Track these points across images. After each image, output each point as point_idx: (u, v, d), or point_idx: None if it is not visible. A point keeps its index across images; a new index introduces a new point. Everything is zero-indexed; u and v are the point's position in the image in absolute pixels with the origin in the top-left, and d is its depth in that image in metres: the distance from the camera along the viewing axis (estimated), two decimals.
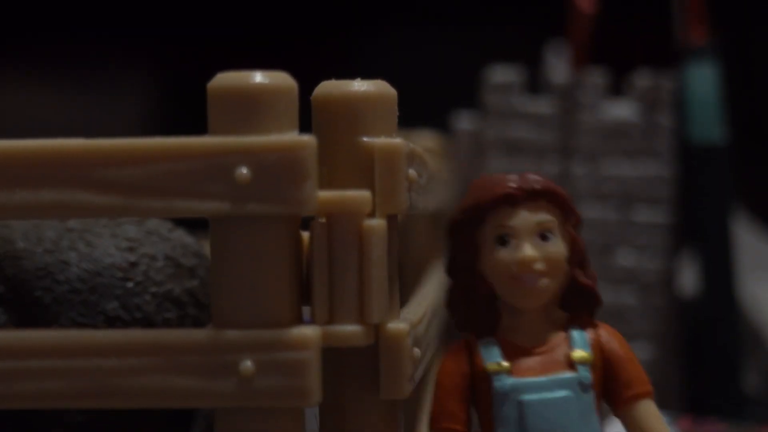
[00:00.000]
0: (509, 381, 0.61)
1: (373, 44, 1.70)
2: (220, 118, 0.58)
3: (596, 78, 1.15)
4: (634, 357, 0.63)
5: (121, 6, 1.70)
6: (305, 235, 0.60)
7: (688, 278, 1.17)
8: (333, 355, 0.60)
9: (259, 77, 0.58)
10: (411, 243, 0.89)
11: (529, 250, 0.61)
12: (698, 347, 1.12)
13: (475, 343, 0.63)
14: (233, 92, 0.58)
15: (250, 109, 0.58)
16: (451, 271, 0.64)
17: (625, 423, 0.62)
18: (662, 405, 0.64)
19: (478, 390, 0.62)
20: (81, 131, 0.62)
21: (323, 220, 0.59)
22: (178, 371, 0.58)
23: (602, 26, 1.13)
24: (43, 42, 1.71)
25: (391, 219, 0.61)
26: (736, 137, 1.15)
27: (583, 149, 1.15)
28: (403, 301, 0.68)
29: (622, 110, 1.15)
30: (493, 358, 0.62)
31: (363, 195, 0.59)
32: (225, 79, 0.58)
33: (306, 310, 0.60)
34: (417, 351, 0.62)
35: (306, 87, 0.60)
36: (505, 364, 0.62)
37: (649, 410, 0.62)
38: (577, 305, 0.63)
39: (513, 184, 0.62)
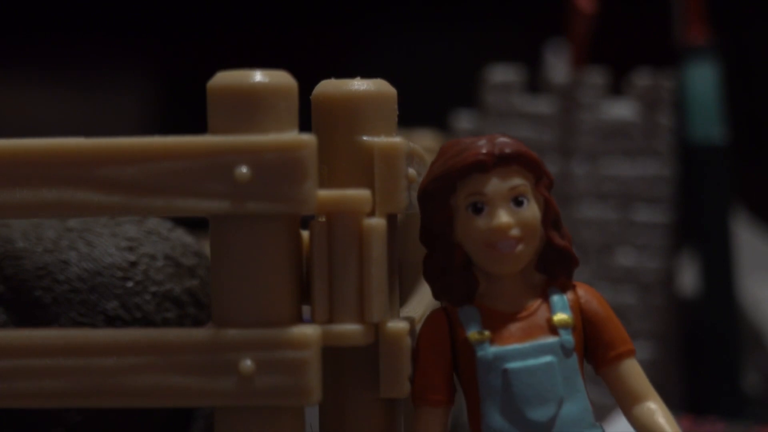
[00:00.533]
0: (492, 350, 0.60)
1: (373, 43, 1.70)
2: (220, 117, 0.58)
3: (596, 78, 1.15)
4: (614, 316, 0.62)
5: (121, 6, 1.70)
6: (305, 234, 0.60)
7: (688, 278, 1.17)
8: (333, 354, 0.60)
9: (259, 76, 0.58)
10: (411, 242, 0.89)
11: (504, 217, 0.60)
12: (698, 347, 1.12)
13: (455, 311, 0.61)
14: (233, 91, 0.58)
15: (250, 107, 0.58)
16: (424, 239, 0.62)
17: (608, 383, 0.62)
18: None
19: (461, 359, 0.61)
20: (81, 131, 0.62)
21: (323, 219, 0.59)
22: (178, 370, 0.58)
23: (602, 26, 1.13)
24: (43, 42, 1.71)
25: (390, 218, 0.61)
26: (736, 137, 1.15)
27: (582, 149, 1.15)
28: (403, 299, 0.68)
29: (621, 110, 1.15)
30: (474, 327, 0.61)
31: (363, 194, 0.59)
32: (225, 77, 0.58)
33: (306, 309, 0.60)
34: None
35: (306, 86, 0.60)
36: (486, 332, 0.60)
37: (632, 369, 0.62)
38: (554, 267, 0.62)
39: (483, 150, 0.61)
